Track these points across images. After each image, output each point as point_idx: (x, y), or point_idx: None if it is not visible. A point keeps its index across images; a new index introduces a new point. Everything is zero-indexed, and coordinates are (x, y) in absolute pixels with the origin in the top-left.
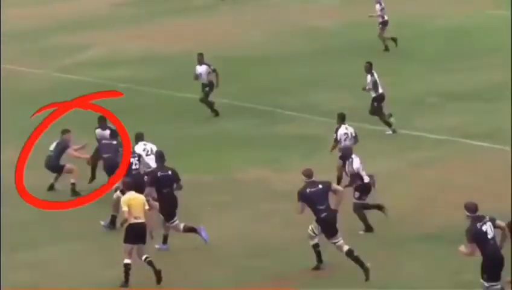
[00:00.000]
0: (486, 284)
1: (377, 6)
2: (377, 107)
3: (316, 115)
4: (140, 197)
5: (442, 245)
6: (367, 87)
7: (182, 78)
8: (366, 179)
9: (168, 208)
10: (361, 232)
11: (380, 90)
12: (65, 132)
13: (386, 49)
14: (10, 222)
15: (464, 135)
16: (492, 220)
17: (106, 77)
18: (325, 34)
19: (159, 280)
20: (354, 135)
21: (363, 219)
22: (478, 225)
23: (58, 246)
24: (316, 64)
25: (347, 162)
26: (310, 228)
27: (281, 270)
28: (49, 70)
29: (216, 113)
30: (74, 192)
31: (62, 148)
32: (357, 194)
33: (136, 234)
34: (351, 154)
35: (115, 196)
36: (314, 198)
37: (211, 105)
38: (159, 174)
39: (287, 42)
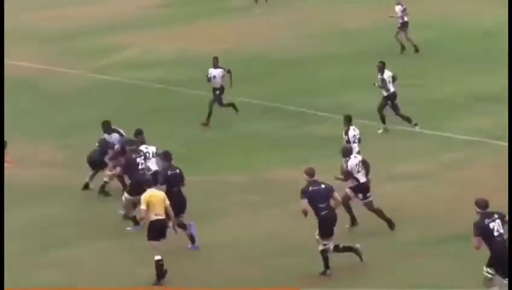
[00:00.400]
0: (504, 281)
1: (398, 7)
2: (385, 104)
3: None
4: (161, 194)
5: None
6: (379, 84)
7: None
8: (362, 179)
9: (177, 205)
10: (347, 226)
11: (392, 89)
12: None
13: (403, 48)
14: (40, 221)
15: (493, 136)
16: (502, 217)
17: (141, 78)
18: (357, 35)
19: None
20: (359, 136)
21: (380, 214)
22: (486, 221)
23: (88, 245)
24: (348, 66)
25: (343, 160)
26: (317, 232)
27: (310, 270)
28: (85, 71)
29: (235, 109)
30: (103, 190)
31: (108, 146)
32: (360, 195)
33: (158, 231)
34: (350, 153)
35: (123, 197)
36: (316, 196)
37: (232, 104)
38: (169, 173)
39: (319, 44)
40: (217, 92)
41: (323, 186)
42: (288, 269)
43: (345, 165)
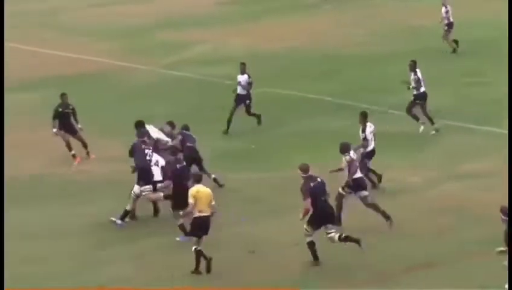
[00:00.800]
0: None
1: (443, 9)
2: (414, 104)
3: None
4: (207, 191)
5: None
6: (412, 85)
7: (285, 76)
8: (358, 175)
9: (183, 201)
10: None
11: (422, 89)
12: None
13: (454, 51)
14: (108, 216)
15: None
16: None
17: (210, 74)
18: (426, 33)
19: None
20: (375, 132)
21: (375, 208)
22: None
23: (150, 241)
24: (424, 62)
25: (343, 156)
26: (305, 227)
27: (384, 267)
28: (155, 67)
29: (259, 121)
30: None
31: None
32: (355, 190)
33: (200, 227)
34: (349, 149)
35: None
36: (318, 191)
37: (258, 116)
38: (178, 166)
39: (388, 41)
40: (248, 101)
41: (319, 179)
42: (363, 266)
43: (348, 159)
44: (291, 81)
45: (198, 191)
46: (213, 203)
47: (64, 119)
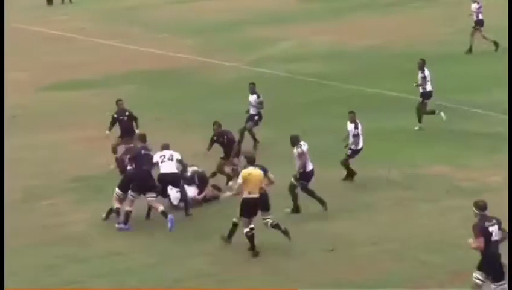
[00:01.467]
0: (493, 285)
1: (474, 5)
2: (421, 103)
3: (500, 113)
4: (259, 173)
5: None
6: (418, 83)
7: (367, 74)
8: (309, 167)
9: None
10: (288, 210)
11: (429, 88)
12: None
13: (470, 50)
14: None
15: None
16: (499, 223)
17: (294, 71)
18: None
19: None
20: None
21: (312, 194)
22: (486, 223)
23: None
24: (504, 62)
25: (295, 148)
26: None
27: (458, 267)
28: (238, 64)
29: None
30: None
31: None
32: (303, 182)
33: (249, 209)
34: (299, 141)
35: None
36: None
37: (255, 141)
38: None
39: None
40: (256, 117)
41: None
42: (437, 265)
43: (299, 151)
44: (375, 79)
45: (250, 174)
46: (263, 184)
47: (121, 124)
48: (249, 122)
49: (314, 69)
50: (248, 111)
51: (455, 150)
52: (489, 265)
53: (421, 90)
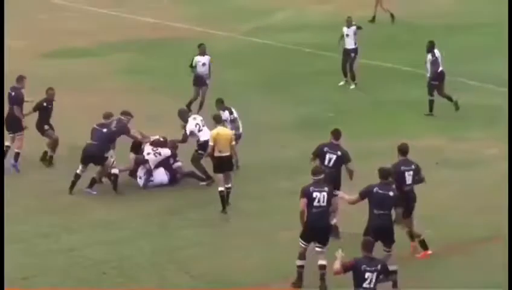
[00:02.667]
0: None
1: None
2: (432, 84)
3: (497, 85)
4: (228, 132)
5: None
6: (426, 65)
7: (364, 45)
8: (201, 140)
9: None
10: (203, 183)
11: (440, 68)
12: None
13: (373, 19)
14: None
15: None
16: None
17: (291, 42)
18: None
19: None
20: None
21: (203, 170)
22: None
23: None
24: (503, 34)
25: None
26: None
27: (455, 239)
28: (235, 34)
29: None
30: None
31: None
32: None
33: (221, 166)
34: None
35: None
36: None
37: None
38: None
39: (473, 11)
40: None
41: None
42: (433, 237)
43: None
44: (371, 50)
45: (218, 134)
46: (233, 143)
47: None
48: None
49: (311, 40)
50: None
51: (449, 122)
52: None
53: (428, 75)
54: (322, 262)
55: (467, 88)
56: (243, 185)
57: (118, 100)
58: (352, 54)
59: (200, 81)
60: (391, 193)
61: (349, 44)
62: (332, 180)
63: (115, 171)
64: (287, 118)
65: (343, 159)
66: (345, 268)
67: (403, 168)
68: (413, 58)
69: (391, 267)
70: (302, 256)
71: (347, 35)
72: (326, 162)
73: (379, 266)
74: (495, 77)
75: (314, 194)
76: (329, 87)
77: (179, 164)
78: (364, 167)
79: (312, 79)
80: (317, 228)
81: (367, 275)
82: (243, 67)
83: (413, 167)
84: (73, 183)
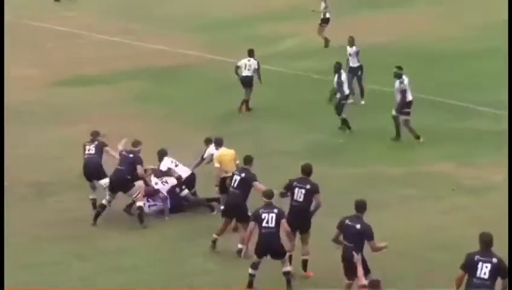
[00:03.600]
0: None
1: (322, 4)
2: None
3: (507, 111)
4: (230, 152)
5: None
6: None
7: (372, 71)
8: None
9: None
10: (214, 213)
11: (409, 98)
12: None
13: (326, 46)
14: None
15: None
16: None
17: (300, 68)
18: None
19: None
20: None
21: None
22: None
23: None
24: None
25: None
26: None
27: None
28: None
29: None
30: None
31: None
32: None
33: (225, 186)
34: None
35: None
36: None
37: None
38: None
39: (483, 37)
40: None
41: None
42: (441, 263)
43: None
44: (381, 76)
45: (222, 155)
46: (237, 162)
47: None
48: None
49: (319, 66)
50: None
51: (460, 148)
52: None
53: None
54: (285, 269)
55: (477, 114)
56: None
57: (130, 127)
58: (359, 72)
59: (245, 83)
60: (358, 226)
61: (353, 62)
62: (302, 214)
63: (140, 203)
64: (297, 144)
65: (312, 191)
66: None
67: (295, 183)
68: (424, 85)
69: None
70: (254, 266)
71: (350, 54)
72: (295, 197)
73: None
74: (505, 103)
75: (263, 215)
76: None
77: (185, 192)
78: (375, 193)
79: (321, 105)
80: (267, 248)
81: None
82: (252, 93)
83: (308, 186)
84: (99, 213)
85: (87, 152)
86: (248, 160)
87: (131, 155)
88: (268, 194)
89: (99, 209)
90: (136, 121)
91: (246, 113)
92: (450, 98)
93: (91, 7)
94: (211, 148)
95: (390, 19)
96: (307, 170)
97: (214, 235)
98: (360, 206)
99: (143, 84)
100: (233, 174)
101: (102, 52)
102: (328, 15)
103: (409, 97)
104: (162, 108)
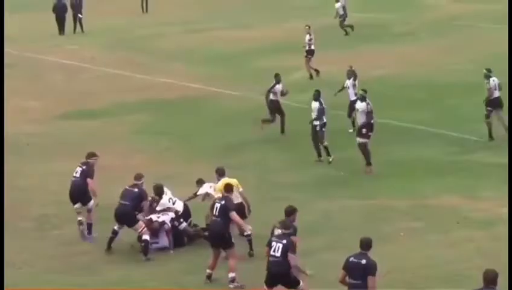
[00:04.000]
0: None
1: (307, 36)
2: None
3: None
4: (234, 181)
5: None
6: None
7: (378, 104)
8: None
9: None
10: None
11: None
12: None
13: (311, 77)
14: None
15: None
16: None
17: (305, 101)
18: None
19: None
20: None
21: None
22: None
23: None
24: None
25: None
26: None
27: None
28: (252, 94)
29: None
30: None
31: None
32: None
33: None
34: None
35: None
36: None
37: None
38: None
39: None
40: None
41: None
42: None
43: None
44: (384, 109)
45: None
46: (241, 190)
47: None
48: None
49: (324, 100)
50: None
51: (466, 181)
52: None
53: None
54: None
55: (481, 147)
56: (260, 247)
57: (133, 160)
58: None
59: (274, 107)
60: (363, 261)
61: (351, 96)
62: (280, 269)
63: (145, 237)
64: (301, 177)
65: (288, 247)
66: None
67: (273, 238)
68: (428, 118)
69: None
70: None
71: (347, 87)
72: (272, 251)
73: None
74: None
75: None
76: (342, 145)
77: (183, 225)
78: (380, 226)
79: (330, 137)
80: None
81: None
82: (254, 127)
83: (284, 241)
84: (111, 239)
85: (74, 174)
86: (228, 189)
87: (136, 189)
88: (286, 226)
89: (112, 235)
90: (137, 154)
91: (252, 144)
92: (454, 130)
93: (94, 40)
94: (204, 187)
95: (390, 53)
96: (285, 225)
97: (208, 271)
98: (365, 244)
99: (147, 117)
100: (214, 202)
101: (106, 85)
102: (312, 46)
103: (496, 94)
104: (167, 141)
